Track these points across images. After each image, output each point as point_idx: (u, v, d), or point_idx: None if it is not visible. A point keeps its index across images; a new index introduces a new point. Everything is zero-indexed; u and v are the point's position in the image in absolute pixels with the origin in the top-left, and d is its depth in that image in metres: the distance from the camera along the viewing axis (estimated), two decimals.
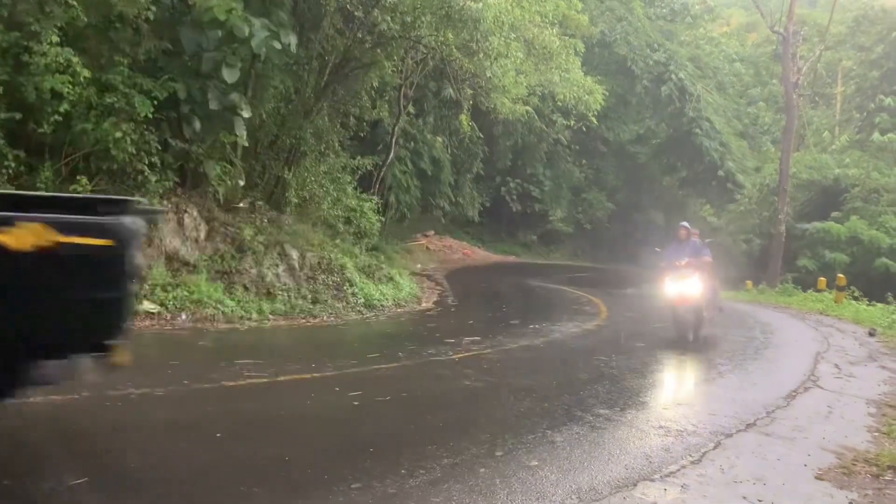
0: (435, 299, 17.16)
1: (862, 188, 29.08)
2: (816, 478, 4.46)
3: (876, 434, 5.65)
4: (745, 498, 3.97)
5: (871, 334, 12.45)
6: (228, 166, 12.68)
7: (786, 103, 30.46)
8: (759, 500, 3.94)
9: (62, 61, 9.38)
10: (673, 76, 38.07)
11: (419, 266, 25.80)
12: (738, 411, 6.02)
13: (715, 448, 4.92)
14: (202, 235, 11.82)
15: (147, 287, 10.23)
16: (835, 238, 26.83)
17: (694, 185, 41.83)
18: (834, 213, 28.33)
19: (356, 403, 5.96)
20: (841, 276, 19.57)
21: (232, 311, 10.83)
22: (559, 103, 24.47)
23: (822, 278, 21.70)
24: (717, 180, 38.10)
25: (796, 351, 10.30)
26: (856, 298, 19.03)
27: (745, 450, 4.93)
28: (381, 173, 22.87)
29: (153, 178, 10.69)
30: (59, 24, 9.55)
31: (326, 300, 12.99)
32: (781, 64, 31.14)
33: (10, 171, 9.64)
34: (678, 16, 46.75)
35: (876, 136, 32.77)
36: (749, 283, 26.01)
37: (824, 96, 44.62)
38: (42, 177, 9.89)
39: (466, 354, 8.85)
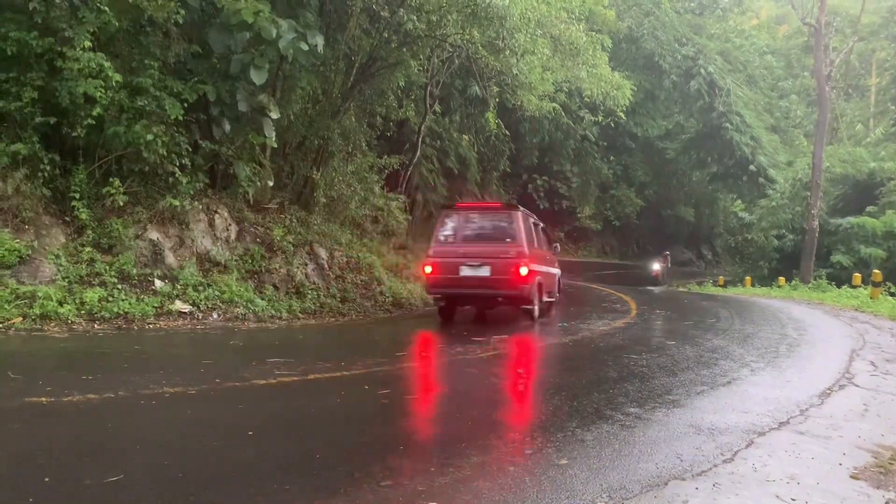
0: None
1: None
2: (852, 477, 4.38)
3: None
4: (778, 497, 3.92)
5: None
6: (258, 167, 12.83)
7: (818, 96, 29.97)
8: (793, 500, 3.89)
9: (95, 66, 9.57)
10: (702, 70, 37.66)
11: None
12: (771, 409, 5.94)
13: (747, 447, 4.85)
14: (232, 236, 11.96)
15: (179, 287, 10.39)
16: (870, 233, 26.34)
17: (724, 181, 41.37)
18: (869, 208, 27.82)
19: (385, 402, 5.99)
20: (877, 271, 19.20)
21: (262, 310, 10.95)
22: (586, 99, 24.34)
23: (856, 274, 21.33)
24: (748, 175, 37.62)
25: (830, 348, 10.12)
26: (892, 294, 18.66)
27: (779, 448, 4.85)
28: (408, 172, 22.94)
29: (184, 180, 10.86)
30: (91, 30, 9.75)
31: (355, 299, 13.09)
32: (813, 56, 30.64)
33: (46, 174, 9.86)
34: (707, 9, 46.23)
35: None
36: (782, 279, 25.63)
37: (858, 88, 43.83)
38: (76, 179, 10.11)
39: (494, 353, 8.85)
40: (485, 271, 11.56)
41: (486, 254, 11.69)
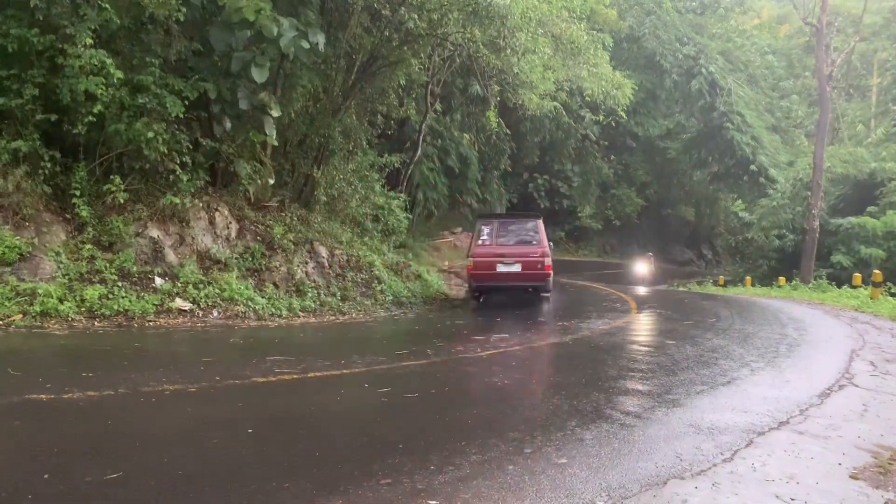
0: (463, 296, 17.17)
1: None
2: (851, 477, 4.39)
3: None
4: (777, 497, 3.92)
5: None
6: (258, 165, 12.82)
7: (819, 96, 29.94)
8: (793, 499, 3.89)
9: (96, 63, 9.57)
10: (703, 70, 37.66)
11: (447, 263, 25.85)
12: (770, 409, 5.94)
13: (747, 446, 4.85)
14: (233, 233, 11.96)
15: (179, 285, 10.39)
16: (870, 233, 26.33)
17: (725, 180, 41.36)
18: (870, 208, 27.79)
19: (385, 400, 5.99)
20: (877, 271, 19.17)
21: (262, 308, 10.95)
22: (587, 98, 24.34)
23: (857, 274, 21.28)
24: (749, 175, 37.60)
25: (830, 348, 10.11)
26: (892, 294, 18.63)
27: (778, 448, 4.86)
28: (409, 171, 22.96)
29: (184, 178, 10.86)
30: (92, 27, 9.74)
31: (355, 297, 13.08)
32: (815, 56, 30.60)
33: (46, 171, 9.86)
34: (708, 9, 46.19)
35: None
36: (782, 279, 25.62)
37: (859, 88, 43.77)
38: (77, 176, 10.11)
39: (495, 351, 8.84)
40: (517, 268, 14.49)
41: (518, 254, 14.58)
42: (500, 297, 16.06)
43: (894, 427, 5.68)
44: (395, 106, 20.11)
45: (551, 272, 14.83)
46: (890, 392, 7.05)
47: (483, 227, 15.20)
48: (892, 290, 19.05)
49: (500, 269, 14.47)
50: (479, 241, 14.93)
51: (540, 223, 15.09)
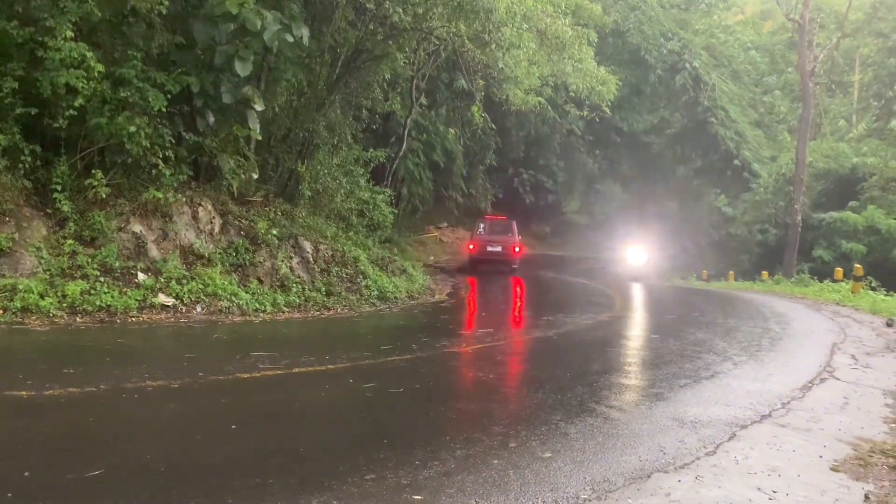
0: (448, 291, 17.18)
1: (880, 177, 28.73)
2: (832, 469, 4.43)
3: (893, 425, 5.60)
4: (759, 489, 3.95)
5: (889, 325, 12.33)
6: (242, 160, 12.72)
7: (802, 92, 30.13)
8: (774, 492, 3.92)
9: (76, 56, 9.44)
10: (687, 65, 37.81)
11: (432, 258, 25.89)
12: (753, 402, 5.99)
13: (730, 439, 4.89)
14: (216, 228, 11.87)
15: (162, 280, 10.31)
16: (851, 228, 26.56)
17: (709, 175, 41.52)
18: (851, 203, 28.02)
19: (370, 395, 5.98)
20: (858, 266, 19.37)
21: (246, 303, 10.88)
22: (572, 94, 24.43)
23: (838, 268, 21.46)
24: (733, 170, 37.82)
25: (812, 342, 10.22)
26: (873, 289, 18.82)
27: (761, 441, 4.90)
28: (394, 165, 22.93)
29: (167, 172, 10.75)
30: (73, 20, 9.61)
31: (340, 292, 13.03)
32: (797, 52, 30.78)
33: (27, 166, 9.74)
34: (692, 4, 46.33)
35: (894, 123, 32.33)
36: (765, 273, 25.82)
37: (841, 84, 44.02)
38: (58, 171, 9.99)
39: (480, 346, 8.86)
40: (499, 248, 23.22)
41: (500, 241, 23.32)
42: (488, 295, 16.16)
43: (874, 419, 5.75)
44: (379, 100, 20.05)
45: (519, 252, 23.63)
46: (870, 385, 7.13)
47: (479, 223, 24.55)
48: (873, 285, 19.23)
49: (489, 249, 23.17)
50: (477, 233, 23.90)
51: (514, 223, 24.22)
